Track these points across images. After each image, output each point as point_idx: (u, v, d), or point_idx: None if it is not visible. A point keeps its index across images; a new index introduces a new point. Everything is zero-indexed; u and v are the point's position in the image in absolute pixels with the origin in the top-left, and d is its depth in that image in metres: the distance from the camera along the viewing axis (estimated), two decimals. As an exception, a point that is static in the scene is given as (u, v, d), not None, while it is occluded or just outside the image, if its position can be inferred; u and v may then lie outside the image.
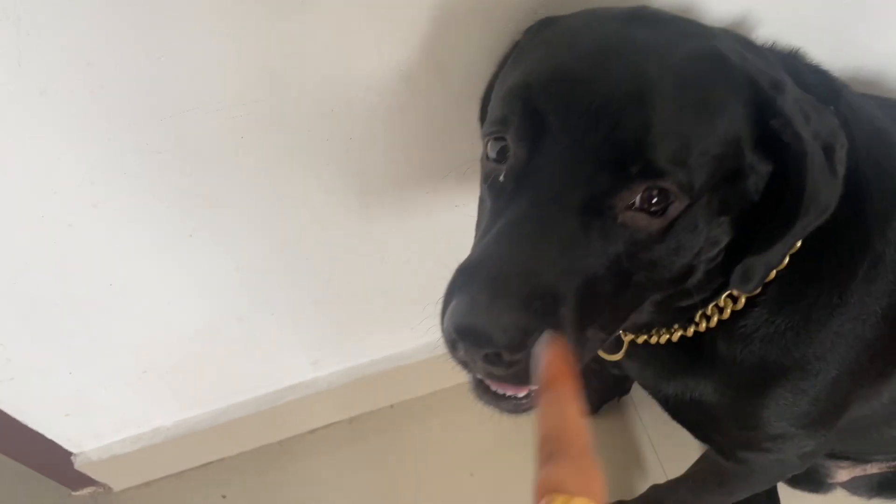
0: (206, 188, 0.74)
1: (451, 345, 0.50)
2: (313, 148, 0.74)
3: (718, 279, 0.62)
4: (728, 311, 0.65)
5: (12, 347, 0.84)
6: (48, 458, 1.09)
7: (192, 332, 0.94)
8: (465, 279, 0.49)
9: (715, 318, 0.66)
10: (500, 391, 0.55)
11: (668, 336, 0.70)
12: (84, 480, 1.17)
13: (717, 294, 0.64)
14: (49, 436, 1.03)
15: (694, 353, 0.69)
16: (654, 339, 0.71)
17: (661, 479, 1.25)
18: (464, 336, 0.47)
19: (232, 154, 0.71)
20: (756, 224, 0.57)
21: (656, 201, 0.51)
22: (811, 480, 1.12)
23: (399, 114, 0.74)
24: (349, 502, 1.22)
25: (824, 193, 0.55)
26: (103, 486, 1.20)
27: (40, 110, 0.59)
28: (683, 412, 0.77)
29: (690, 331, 0.68)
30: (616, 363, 0.80)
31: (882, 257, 0.64)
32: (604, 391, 1.32)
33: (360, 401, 1.27)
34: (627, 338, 0.74)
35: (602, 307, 0.53)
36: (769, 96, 0.53)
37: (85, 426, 1.05)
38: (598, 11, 0.60)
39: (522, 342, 0.46)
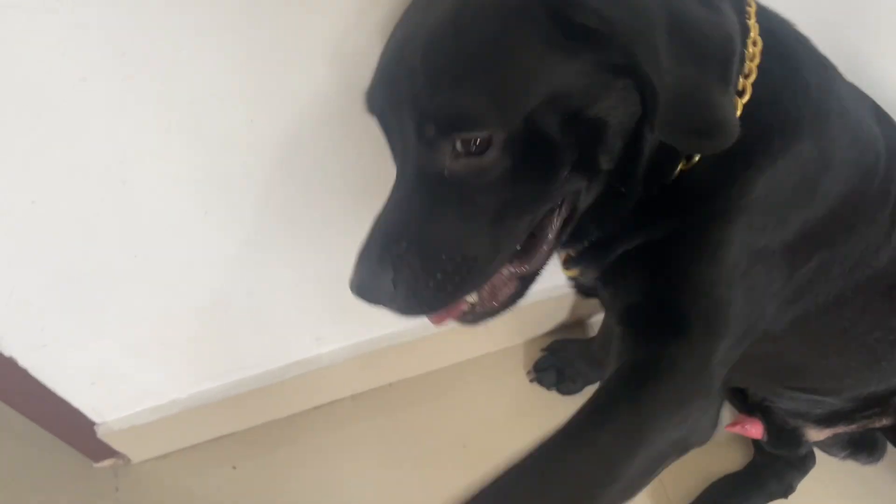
0: (220, 169, 0.83)
1: None
2: (318, 133, 0.84)
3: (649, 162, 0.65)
4: (678, 170, 0.67)
5: (47, 316, 0.93)
6: (73, 427, 1.18)
7: (205, 305, 1.03)
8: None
9: (678, 168, 0.67)
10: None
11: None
12: (105, 451, 1.26)
13: (659, 175, 0.67)
14: (75, 404, 1.12)
15: (655, 210, 0.70)
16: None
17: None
18: (359, 295, 0.63)
19: (242, 138, 0.80)
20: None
21: (471, 146, 0.57)
22: (789, 441, 1.19)
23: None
24: (352, 475, 1.30)
25: (714, 28, 0.56)
26: (123, 457, 1.29)
27: (80, 95, 0.69)
28: (634, 267, 0.73)
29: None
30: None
31: (828, 110, 0.68)
32: (588, 374, 1.40)
33: (361, 378, 1.36)
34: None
35: (463, 233, 0.61)
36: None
37: (108, 396, 1.14)
38: None
39: (387, 293, 0.61)
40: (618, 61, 0.56)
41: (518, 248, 0.67)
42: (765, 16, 0.69)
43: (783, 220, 0.68)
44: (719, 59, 0.56)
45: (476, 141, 0.57)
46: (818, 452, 1.27)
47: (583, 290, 0.88)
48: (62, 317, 0.95)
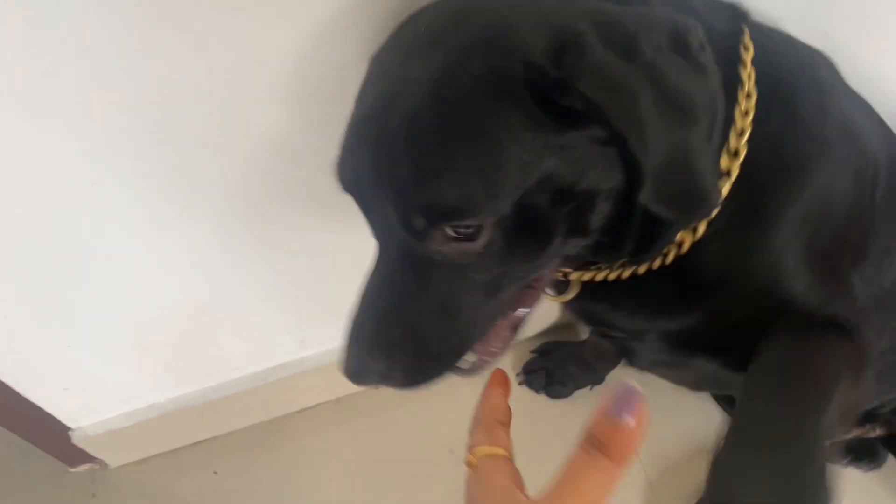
0: (196, 167, 0.80)
1: None
2: (298, 131, 0.80)
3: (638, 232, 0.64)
4: (687, 245, 0.66)
5: (15, 319, 0.90)
6: (47, 433, 1.15)
7: (182, 308, 1.00)
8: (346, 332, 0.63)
9: (672, 255, 0.67)
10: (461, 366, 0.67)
11: (617, 273, 0.71)
12: (81, 456, 1.23)
13: (658, 231, 0.65)
14: (48, 409, 1.08)
15: (664, 286, 0.70)
16: (601, 276, 0.73)
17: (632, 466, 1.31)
18: (352, 381, 0.62)
19: (217, 136, 0.77)
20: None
21: (462, 232, 0.55)
22: None
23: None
24: (336, 480, 1.28)
25: (698, 87, 0.53)
26: (100, 462, 1.26)
27: (44, 93, 0.65)
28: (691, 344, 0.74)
29: (642, 269, 0.69)
30: (584, 307, 0.81)
31: (829, 148, 0.66)
32: (579, 378, 1.38)
33: (345, 382, 1.32)
34: (574, 276, 0.75)
35: (455, 316, 0.60)
36: (547, 77, 0.51)
37: (83, 401, 1.10)
38: (401, 34, 0.60)
39: (373, 376, 0.60)
40: (604, 136, 0.54)
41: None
42: (762, 54, 0.65)
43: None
44: (704, 114, 0.53)
45: (463, 231, 0.56)
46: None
47: (586, 318, 0.85)
48: (32, 321, 0.92)
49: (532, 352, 1.42)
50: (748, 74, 0.62)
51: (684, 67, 0.53)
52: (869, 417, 1.08)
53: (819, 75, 0.70)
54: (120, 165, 0.76)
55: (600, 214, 0.60)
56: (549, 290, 0.80)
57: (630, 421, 0.47)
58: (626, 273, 0.71)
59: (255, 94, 0.74)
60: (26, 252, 0.82)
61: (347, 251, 1.02)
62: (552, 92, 0.51)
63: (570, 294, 0.77)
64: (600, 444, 0.47)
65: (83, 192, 0.77)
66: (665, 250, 0.67)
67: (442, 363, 0.62)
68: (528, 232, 0.58)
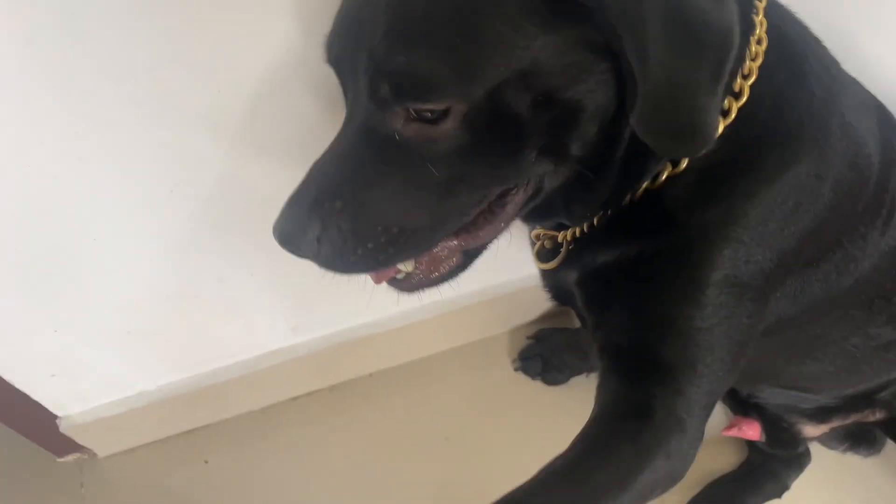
0: (186, 143, 0.77)
1: None
2: (292, 102, 0.78)
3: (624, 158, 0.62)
4: (663, 177, 0.64)
5: (1, 304, 0.87)
6: (34, 421, 1.12)
7: (173, 292, 0.97)
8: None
9: (642, 188, 0.65)
10: (397, 276, 0.67)
11: (592, 221, 0.70)
12: (69, 445, 1.20)
13: (640, 174, 0.64)
14: (35, 397, 1.06)
15: (636, 219, 0.67)
16: (578, 230, 0.71)
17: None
18: (282, 243, 0.61)
19: (210, 109, 0.74)
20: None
21: (426, 113, 0.53)
22: (787, 440, 1.17)
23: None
24: (329, 470, 1.25)
25: (715, 16, 0.50)
26: (88, 451, 1.23)
27: (26, 60, 0.63)
28: (615, 295, 0.70)
29: (639, 191, 0.65)
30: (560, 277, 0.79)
31: (830, 128, 0.64)
32: (575, 365, 1.36)
33: (339, 369, 1.31)
34: (560, 237, 0.74)
35: (403, 203, 0.58)
36: None
37: (70, 388, 1.08)
38: None
39: (309, 245, 0.58)
40: (601, 40, 0.52)
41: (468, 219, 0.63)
42: (775, 12, 0.64)
43: (768, 251, 0.64)
44: (714, 56, 0.51)
45: (427, 113, 0.54)
46: (815, 448, 1.24)
47: (557, 294, 0.86)
48: (17, 304, 0.89)
49: (528, 338, 1.40)
50: (760, 21, 0.60)
51: (702, 4, 0.50)
52: (868, 402, 1.06)
53: (828, 56, 0.68)
54: (108, 141, 0.73)
55: (583, 138, 0.57)
56: (537, 258, 0.79)
57: None
58: (596, 220, 0.69)
59: (252, 70, 0.72)
60: (10, 232, 0.79)
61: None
62: None
63: (557, 261, 0.75)
64: None
65: (69, 169, 0.74)
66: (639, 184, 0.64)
67: (374, 253, 0.59)
68: (499, 132, 0.55)
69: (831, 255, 0.71)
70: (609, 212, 0.68)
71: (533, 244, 0.82)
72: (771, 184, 0.62)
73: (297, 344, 1.20)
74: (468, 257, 0.67)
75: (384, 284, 0.68)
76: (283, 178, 0.86)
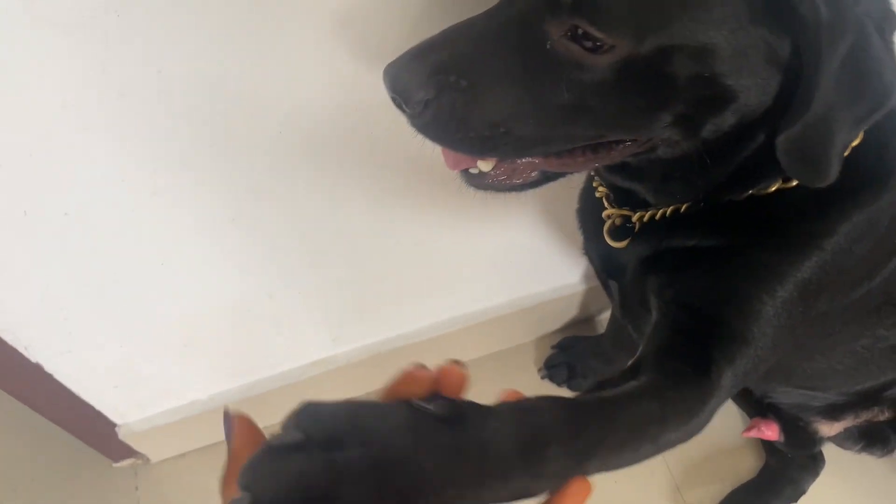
0: (248, 178, 0.85)
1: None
2: (342, 145, 0.86)
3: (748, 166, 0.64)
4: (774, 188, 0.67)
5: (74, 320, 0.95)
6: (95, 429, 1.20)
7: (228, 308, 1.05)
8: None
9: (775, 186, 0.67)
10: (472, 170, 0.67)
11: (680, 207, 0.71)
12: (125, 451, 1.28)
13: (768, 173, 0.66)
14: (98, 407, 1.13)
15: (730, 215, 0.70)
16: (661, 213, 0.73)
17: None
18: (385, 78, 0.58)
19: (271, 148, 0.82)
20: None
21: (589, 41, 0.53)
22: (804, 440, 1.21)
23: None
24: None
25: (878, 83, 0.55)
26: (143, 456, 1.31)
27: (118, 110, 0.70)
28: (697, 259, 0.72)
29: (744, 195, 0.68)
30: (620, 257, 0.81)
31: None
32: (599, 370, 1.41)
33: (375, 377, 1.37)
34: (636, 216, 0.76)
35: (523, 110, 0.57)
36: None
37: (130, 398, 1.16)
38: None
39: (416, 99, 0.57)
40: (784, 55, 0.55)
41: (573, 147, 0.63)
42: None
43: (836, 266, 0.69)
44: (869, 105, 0.56)
45: (590, 41, 0.53)
46: (831, 451, 1.29)
47: (605, 267, 0.87)
48: (88, 322, 0.97)
49: (553, 347, 1.47)
50: None
51: (881, 46, 0.54)
52: (876, 399, 1.11)
53: None
54: (180, 176, 0.81)
55: (719, 125, 0.59)
56: (608, 236, 0.80)
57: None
58: (683, 207, 0.71)
59: (307, 107, 0.79)
60: (88, 257, 0.87)
61: (378, 254, 1.08)
62: None
63: (627, 240, 0.78)
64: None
65: (144, 202, 0.82)
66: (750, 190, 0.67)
67: (472, 142, 0.58)
68: (648, 88, 0.55)
69: (864, 275, 0.76)
70: (702, 203, 0.70)
71: (599, 222, 0.83)
72: (861, 211, 0.67)
73: (337, 354, 1.27)
74: (545, 177, 0.67)
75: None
76: (334, 205, 0.95)
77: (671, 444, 0.60)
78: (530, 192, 1.05)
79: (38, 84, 0.66)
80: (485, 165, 0.65)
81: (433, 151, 0.90)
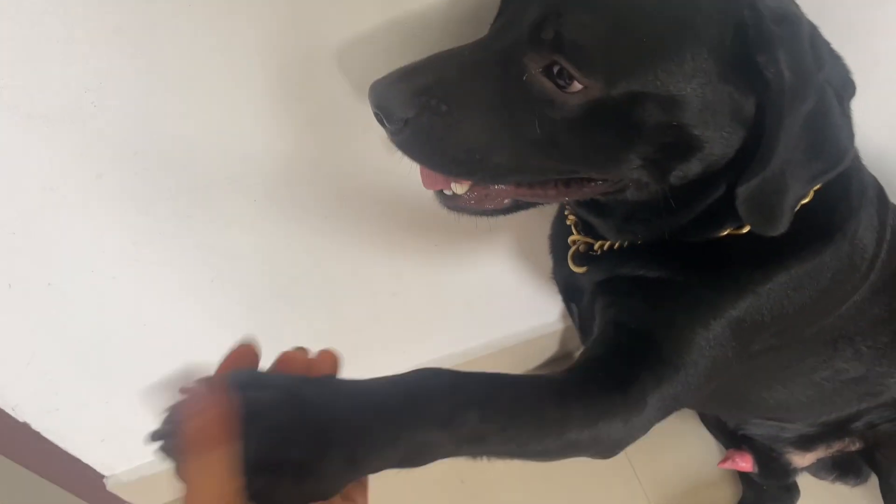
0: (226, 241, 0.88)
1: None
2: (316, 204, 0.89)
3: (707, 210, 0.68)
4: (726, 232, 0.71)
5: (60, 381, 0.98)
6: (83, 481, 1.21)
7: (211, 361, 1.07)
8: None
9: (726, 231, 0.71)
10: (446, 192, 0.69)
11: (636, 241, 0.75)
12: (114, 501, 1.29)
13: (724, 220, 0.70)
14: (86, 461, 1.15)
15: (683, 252, 0.73)
16: (619, 244, 0.77)
17: (638, 491, 1.39)
18: (370, 94, 0.60)
19: (247, 215, 0.85)
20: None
21: (563, 77, 0.56)
22: (779, 471, 1.25)
23: (385, 175, 0.89)
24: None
25: (833, 145, 0.59)
26: (131, 505, 1.32)
27: (97, 190, 0.74)
28: (638, 292, 0.75)
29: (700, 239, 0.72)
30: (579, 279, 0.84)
31: (847, 236, 0.74)
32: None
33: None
34: (597, 245, 0.80)
35: (497, 139, 0.59)
36: (766, 27, 0.54)
37: (118, 450, 1.18)
38: None
39: (397, 116, 0.59)
40: (749, 113, 0.59)
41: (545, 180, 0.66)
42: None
43: (772, 311, 0.73)
44: (823, 166, 0.60)
45: (567, 75, 0.56)
46: (807, 480, 1.31)
47: (566, 291, 0.92)
48: (74, 383, 0.99)
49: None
50: None
51: (839, 111, 0.59)
52: (844, 431, 1.13)
53: (864, 172, 0.79)
54: (159, 245, 0.84)
55: (685, 171, 0.62)
56: (571, 261, 0.84)
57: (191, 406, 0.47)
58: (639, 241, 0.75)
59: (280, 178, 0.83)
60: (71, 323, 0.90)
61: (356, 304, 1.11)
62: (755, 41, 0.55)
63: (586, 266, 0.82)
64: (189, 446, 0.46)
65: (124, 270, 0.85)
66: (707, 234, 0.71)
67: (447, 164, 0.61)
68: (615, 130, 0.58)
69: (817, 322, 0.81)
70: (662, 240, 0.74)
71: (567, 248, 0.87)
72: (801, 264, 0.72)
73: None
74: (517, 206, 0.70)
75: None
76: (307, 266, 0.98)
77: (576, 447, 0.62)
78: (504, 231, 1.12)
79: (19, 169, 0.69)
80: (459, 188, 0.67)
81: (407, 205, 0.95)
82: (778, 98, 0.55)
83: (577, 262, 0.84)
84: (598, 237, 0.81)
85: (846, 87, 0.62)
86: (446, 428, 0.52)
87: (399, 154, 0.63)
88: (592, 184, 0.67)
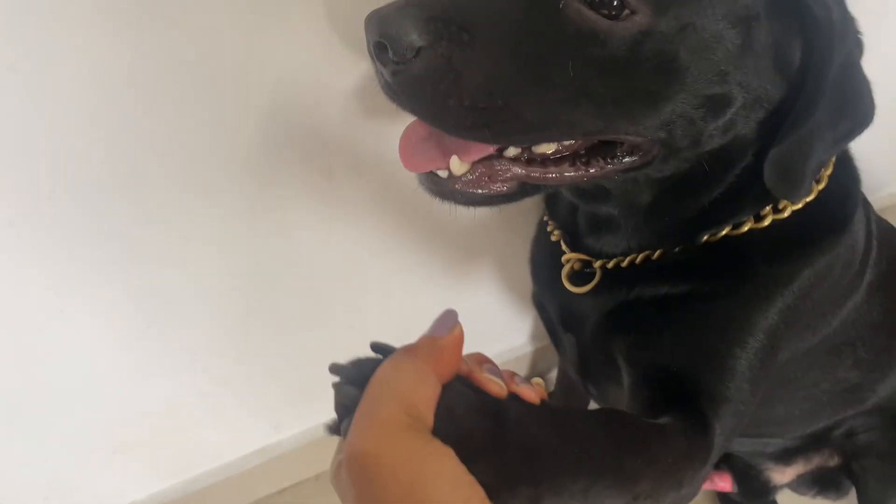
0: (161, 286, 0.83)
1: (368, 52, 0.51)
2: (260, 239, 0.85)
3: (740, 181, 0.64)
4: (747, 227, 0.66)
5: (-7, 441, 0.92)
6: (29, 541, 1.15)
7: (157, 411, 1.02)
8: None
9: (747, 226, 0.66)
10: (439, 172, 0.58)
11: (653, 253, 0.70)
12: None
13: (746, 204, 0.66)
14: (29, 520, 1.09)
15: (700, 260, 0.69)
16: (630, 259, 0.71)
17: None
18: (368, 23, 0.49)
19: (183, 253, 0.81)
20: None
21: (612, 2, 0.49)
22: (758, 489, 1.21)
23: (334, 207, 0.85)
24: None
25: (861, 102, 0.57)
26: (83, 562, 1.26)
27: (9, 240, 0.69)
28: (667, 316, 0.70)
29: (720, 235, 0.67)
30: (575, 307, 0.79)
31: (854, 224, 0.72)
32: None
33: (323, 458, 1.34)
34: (598, 263, 0.74)
35: (525, 82, 0.50)
36: None
37: (62, 508, 1.11)
38: None
39: (408, 42, 0.47)
40: (791, 60, 0.56)
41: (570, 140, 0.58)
42: None
43: (797, 310, 0.70)
44: (849, 125, 0.58)
45: (616, 1, 0.49)
46: (788, 496, 1.28)
47: (564, 319, 0.84)
48: (9, 442, 0.94)
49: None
50: None
51: (864, 75, 0.57)
52: (825, 441, 1.12)
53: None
54: (87, 294, 0.79)
55: (718, 123, 0.57)
56: (567, 281, 0.77)
57: (443, 337, 0.48)
58: (657, 254, 0.70)
59: (220, 209, 0.78)
60: (3, 378, 0.84)
61: (310, 340, 1.06)
62: None
63: (591, 284, 0.75)
64: (415, 351, 0.48)
65: (52, 320, 0.80)
66: (721, 228, 0.67)
67: (464, 114, 0.50)
68: (657, 69, 0.51)
69: (820, 319, 0.78)
70: (677, 249, 0.69)
71: (554, 268, 0.81)
72: (822, 256, 0.69)
73: (280, 440, 1.24)
74: (523, 191, 0.60)
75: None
76: (252, 302, 0.93)
77: (690, 489, 0.59)
78: (466, 250, 1.07)
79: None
80: (458, 167, 0.56)
81: (365, 232, 0.90)
82: (828, 40, 0.52)
83: (575, 282, 0.77)
84: (592, 252, 0.75)
85: (859, 46, 0.59)
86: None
87: (383, 113, 0.57)
88: (618, 155, 0.59)
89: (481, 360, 0.52)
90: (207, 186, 0.76)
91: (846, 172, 0.72)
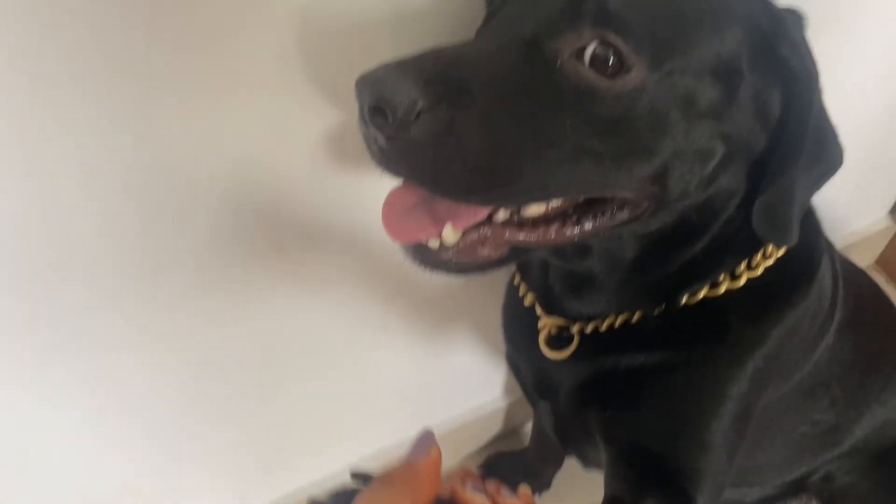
0: (110, 371, 0.81)
1: (360, 116, 0.49)
2: (214, 316, 0.83)
3: (726, 235, 0.65)
4: (724, 288, 0.66)
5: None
6: None
7: (114, 492, 0.98)
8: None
9: (724, 286, 0.66)
10: (429, 243, 0.55)
11: (632, 316, 0.70)
12: None
13: (726, 257, 0.66)
14: None
15: (677, 325, 0.69)
16: (609, 323, 0.70)
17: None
18: (361, 86, 0.46)
19: (126, 335, 0.78)
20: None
21: (609, 60, 0.49)
22: None
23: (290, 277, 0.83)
24: None
25: (833, 146, 0.59)
26: None
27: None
28: (643, 390, 0.70)
29: (700, 295, 0.67)
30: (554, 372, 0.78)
31: (822, 273, 0.73)
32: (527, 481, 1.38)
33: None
34: (576, 327, 0.73)
35: (526, 142, 0.49)
36: (782, 15, 0.55)
37: None
38: None
39: (408, 106, 0.45)
40: (771, 110, 0.57)
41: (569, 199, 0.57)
42: None
43: (769, 369, 0.71)
44: (823, 169, 0.59)
45: (613, 58, 0.48)
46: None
47: (539, 384, 0.83)
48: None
49: (479, 467, 1.42)
50: None
51: (830, 119, 0.59)
52: (801, 487, 1.10)
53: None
54: (25, 378, 0.76)
55: (704, 175, 0.57)
56: (546, 347, 0.75)
57: (420, 462, 0.50)
58: (636, 317, 0.69)
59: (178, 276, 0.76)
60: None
61: (273, 410, 1.03)
62: (775, 32, 0.54)
63: (570, 349, 0.74)
64: (392, 481, 0.49)
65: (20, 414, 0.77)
66: (702, 287, 0.67)
67: (467, 177, 0.48)
68: (648, 123, 0.51)
69: (793, 367, 0.79)
70: (656, 312, 0.69)
71: (528, 330, 0.80)
72: (791, 311, 0.70)
73: (247, 511, 1.20)
74: (514, 255, 0.58)
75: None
76: (208, 373, 0.90)
77: None
78: (434, 307, 1.05)
79: None
80: (450, 235, 0.54)
81: (325, 298, 0.88)
82: (806, 90, 0.54)
83: (554, 347, 0.75)
84: (569, 315, 0.74)
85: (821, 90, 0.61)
86: None
87: (375, 184, 0.52)
88: (608, 211, 0.58)
89: (464, 475, 0.54)
90: (157, 268, 0.74)
91: (809, 224, 0.73)
